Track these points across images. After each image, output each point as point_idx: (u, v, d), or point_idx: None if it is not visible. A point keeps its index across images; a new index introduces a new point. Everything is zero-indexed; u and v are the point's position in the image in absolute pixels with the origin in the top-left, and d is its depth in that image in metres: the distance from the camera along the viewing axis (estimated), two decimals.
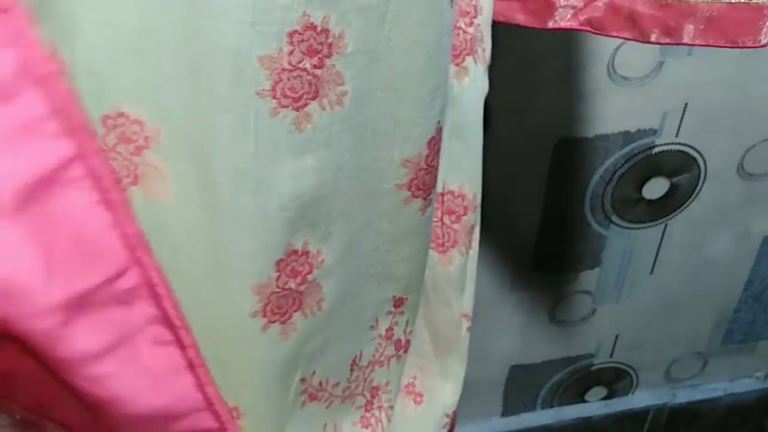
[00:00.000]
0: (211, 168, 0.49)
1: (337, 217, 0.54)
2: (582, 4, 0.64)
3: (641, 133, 1.01)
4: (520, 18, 0.67)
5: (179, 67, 0.46)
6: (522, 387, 1.22)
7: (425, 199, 0.58)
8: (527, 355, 1.19)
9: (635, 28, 0.63)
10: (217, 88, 0.46)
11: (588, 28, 0.64)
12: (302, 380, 0.60)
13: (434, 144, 0.56)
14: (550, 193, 1.04)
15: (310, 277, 0.55)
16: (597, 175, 1.03)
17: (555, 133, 0.99)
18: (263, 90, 0.47)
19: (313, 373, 0.60)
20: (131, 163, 0.51)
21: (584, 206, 1.06)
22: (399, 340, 0.65)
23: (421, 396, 0.68)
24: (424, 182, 0.57)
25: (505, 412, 1.25)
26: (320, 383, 0.62)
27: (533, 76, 0.93)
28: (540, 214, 1.05)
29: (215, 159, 0.49)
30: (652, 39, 0.61)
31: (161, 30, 0.46)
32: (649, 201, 1.08)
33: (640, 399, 1.29)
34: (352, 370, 0.64)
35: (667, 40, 0.61)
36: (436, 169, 0.58)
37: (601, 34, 0.64)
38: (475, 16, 0.57)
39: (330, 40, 0.47)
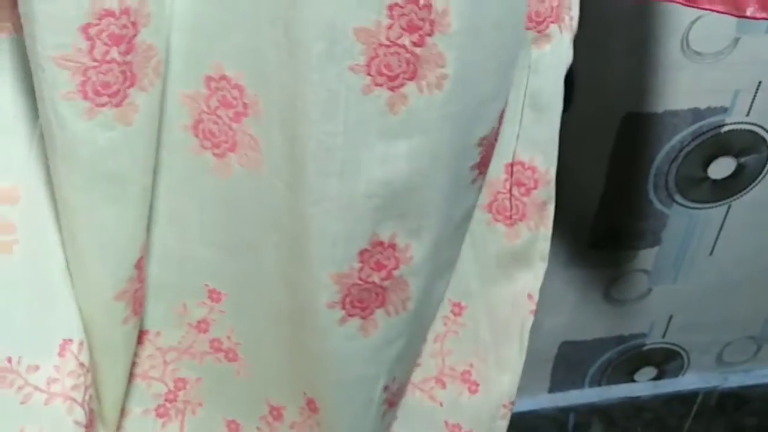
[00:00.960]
0: (298, 144, 0.48)
1: (429, 210, 0.52)
2: None
3: (711, 111, 0.98)
4: None
5: (276, 32, 0.45)
6: (571, 364, 1.21)
7: (485, 176, 0.56)
8: (578, 331, 1.17)
9: (729, 2, 0.60)
10: (310, 59, 0.45)
11: (680, 0, 0.62)
12: (385, 388, 0.58)
13: (503, 116, 0.54)
14: (613, 168, 1.01)
15: (396, 273, 0.53)
16: (663, 152, 1.01)
17: (622, 107, 0.96)
18: (357, 65, 0.45)
19: (394, 379, 0.59)
20: (230, 129, 0.50)
21: (647, 183, 1.03)
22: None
23: (477, 385, 0.66)
24: (489, 158, 0.55)
25: (552, 389, 1.23)
26: (398, 389, 0.60)
27: (604, 48, 0.91)
28: (601, 189, 1.03)
29: (302, 135, 0.47)
30: (748, 13, 0.59)
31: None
32: (714, 181, 1.05)
33: (690, 381, 1.27)
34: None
35: (765, 15, 0.58)
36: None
37: (692, 6, 0.61)
38: None
39: (433, 17, 0.44)
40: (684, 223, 1.08)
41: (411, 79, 0.46)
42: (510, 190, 0.60)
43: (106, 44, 0.44)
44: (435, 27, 0.45)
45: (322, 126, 0.47)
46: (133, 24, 0.45)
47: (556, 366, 1.20)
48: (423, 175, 0.50)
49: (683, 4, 0.62)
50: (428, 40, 0.45)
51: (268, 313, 0.58)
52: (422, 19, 0.45)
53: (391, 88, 0.46)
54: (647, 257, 1.11)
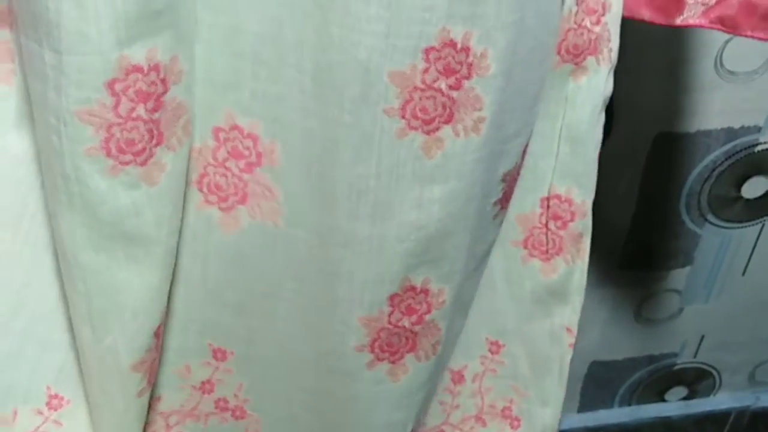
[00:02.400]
0: (327, 189, 0.47)
1: (461, 254, 0.51)
2: (714, 1, 0.60)
3: (745, 130, 0.97)
4: (646, 14, 0.63)
5: (302, 77, 0.44)
6: (601, 383, 1.19)
7: (506, 211, 0.55)
8: (609, 351, 1.16)
9: None
10: (342, 104, 0.44)
11: (719, 27, 0.61)
12: None
13: (526, 151, 0.53)
14: (645, 188, 1.00)
15: (427, 317, 0.52)
16: (695, 172, 1.00)
17: (654, 126, 0.95)
18: (392, 108, 0.44)
19: (419, 421, 0.58)
20: (240, 180, 0.49)
21: (679, 203, 1.02)
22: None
23: (519, 420, 0.65)
24: (511, 193, 0.54)
25: (582, 408, 1.22)
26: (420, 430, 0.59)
27: (637, 68, 0.90)
28: (633, 209, 1.02)
29: (332, 179, 0.46)
30: None
31: (285, 37, 0.44)
32: (747, 200, 1.03)
33: (721, 401, 1.26)
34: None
35: None
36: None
37: (734, 33, 0.60)
38: (603, 14, 0.54)
39: (470, 60, 0.44)
40: (716, 243, 1.07)
41: (447, 122, 0.45)
42: (546, 224, 0.59)
43: (132, 101, 0.43)
44: (473, 70, 0.44)
45: (355, 169, 0.46)
46: (163, 81, 0.44)
47: (586, 385, 1.19)
48: (455, 218, 0.49)
49: (724, 31, 0.61)
50: (465, 83, 0.44)
51: (284, 364, 0.56)
52: (459, 63, 0.44)
53: (427, 132, 0.45)
54: (679, 277, 1.09)
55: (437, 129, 0.45)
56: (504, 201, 0.53)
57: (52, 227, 0.50)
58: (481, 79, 0.44)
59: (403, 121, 0.45)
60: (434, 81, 0.44)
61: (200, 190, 0.50)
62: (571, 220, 0.58)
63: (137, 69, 0.42)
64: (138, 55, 0.42)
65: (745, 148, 0.98)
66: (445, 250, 0.50)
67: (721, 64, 0.91)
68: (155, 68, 0.43)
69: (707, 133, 0.96)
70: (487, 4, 0.42)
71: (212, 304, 0.55)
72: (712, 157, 0.99)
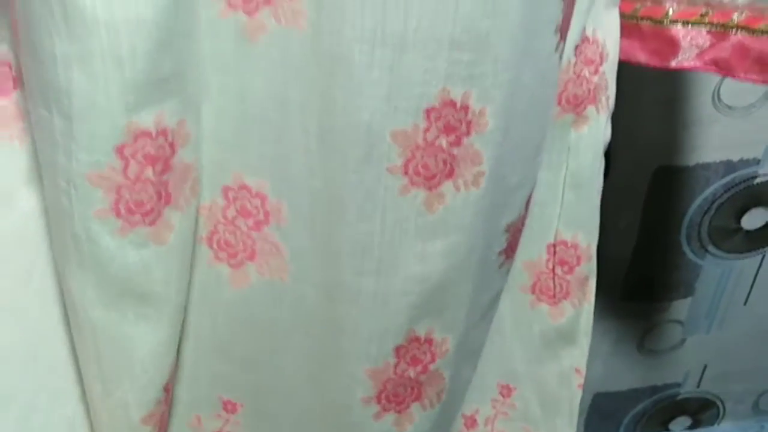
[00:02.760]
0: (332, 245, 0.48)
1: (464, 303, 0.52)
2: (708, 44, 0.61)
3: (744, 163, 0.98)
4: (642, 57, 0.64)
5: (307, 139, 0.45)
6: (604, 415, 1.19)
7: (513, 260, 0.56)
8: (612, 382, 1.16)
9: (765, 71, 0.60)
10: (346, 163, 0.45)
11: (714, 69, 0.62)
12: None
13: (530, 203, 0.54)
14: (646, 220, 1.01)
15: (432, 367, 0.53)
16: (695, 204, 1.00)
17: (654, 160, 0.96)
18: (394, 166, 0.45)
19: None
20: (249, 238, 0.50)
21: (680, 235, 1.03)
22: None
23: None
24: (516, 243, 0.55)
25: None
26: None
27: (636, 102, 0.91)
28: (634, 241, 1.02)
29: (337, 236, 0.47)
30: None
31: (290, 100, 0.44)
32: (748, 231, 1.04)
33: (726, 430, 1.26)
34: None
35: None
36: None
37: (728, 76, 0.61)
38: (601, 64, 0.55)
39: (469, 118, 0.45)
40: (717, 274, 1.08)
41: (448, 178, 0.46)
42: (553, 270, 0.60)
43: (140, 164, 0.44)
44: (472, 127, 0.45)
45: (359, 226, 0.47)
46: (171, 144, 0.45)
47: (590, 417, 1.19)
48: (458, 269, 0.50)
49: (718, 73, 0.62)
50: (465, 140, 0.45)
51: (292, 416, 0.57)
52: (459, 121, 0.45)
53: (429, 188, 0.46)
54: (681, 308, 1.10)
55: (439, 184, 0.46)
56: (509, 251, 0.54)
57: (60, 283, 0.50)
58: (480, 136, 0.45)
59: (406, 178, 0.45)
60: (435, 139, 0.45)
61: (210, 246, 0.51)
62: (577, 264, 0.59)
63: (146, 134, 0.43)
64: (146, 120, 0.43)
65: (744, 181, 0.99)
66: (447, 300, 0.51)
67: (719, 99, 0.92)
68: (163, 132, 0.44)
69: (706, 166, 0.97)
70: (484, 65, 0.43)
71: (222, 357, 0.55)
72: (711, 189, 0.99)
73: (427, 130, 0.44)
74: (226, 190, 0.49)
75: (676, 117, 0.94)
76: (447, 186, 0.46)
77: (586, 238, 0.58)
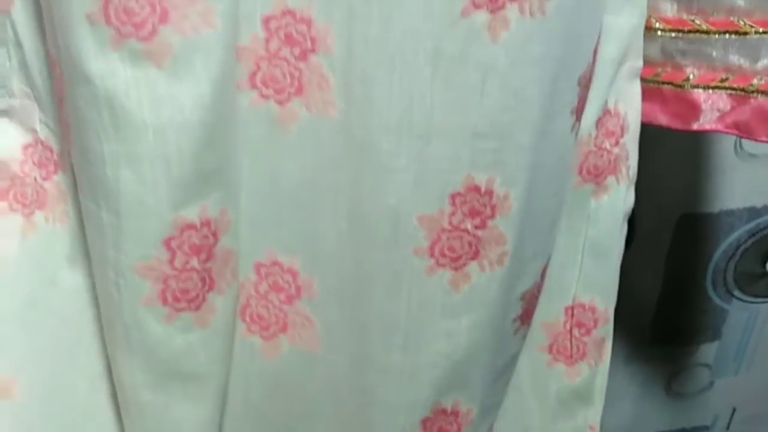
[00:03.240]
0: (361, 321, 0.49)
1: (486, 373, 0.53)
2: (729, 107, 0.62)
3: (767, 209, 0.98)
4: (663, 120, 0.65)
5: (337, 220, 0.47)
6: None
7: (529, 325, 0.58)
8: (641, 426, 1.16)
9: None
10: (375, 244, 0.47)
11: (735, 132, 0.63)
12: None
13: (546, 272, 0.55)
14: (671, 266, 1.01)
15: None
16: (720, 250, 1.01)
17: (678, 208, 0.97)
18: (421, 248, 0.47)
19: None
20: (281, 311, 0.51)
21: (706, 280, 1.03)
22: None
23: None
24: (533, 310, 0.56)
25: None
26: None
27: (659, 151, 0.92)
28: (659, 287, 1.03)
29: (366, 313, 0.49)
30: None
31: (321, 183, 0.46)
32: None
33: None
34: None
35: None
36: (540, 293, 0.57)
37: (749, 138, 0.62)
38: (622, 136, 0.57)
39: (494, 202, 0.46)
40: (744, 318, 1.08)
41: (473, 259, 0.48)
42: (570, 331, 0.61)
43: (186, 254, 0.46)
44: (496, 210, 0.47)
45: (386, 305, 0.48)
46: (214, 234, 0.47)
47: None
48: (481, 343, 0.51)
49: (739, 136, 0.63)
50: (490, 222, 0.47)
51: None
52: (484, 205, 0.46)
53: (454, 269, 0.48)
54: (708, 351, 1.10)
55: (464, 265, 0.48)
56: (525, 317, 0.55)
57: (106, 359, 0.52)
58: (504, 219, 0.47)
59: (432, 259, 0.47)
60: (460, 222, 0.46)
61: (243, 320, 0.53)
62: (595, 327, 0.60)
63: (191, 226, 0.46)
64: (191, 213, 0.45)
65: None
66: (471, 372, 0.52)
67: (741, 147, 0.93)
68: (207, 223, 0.46)
69: (730, 213, 0.98)
70: (507, 152, 0.45)
71: (254, 425, 0.57)
72: (736, 235, 1.00)
73: (452, 214, 0.46)
74: (258, 266, 0.51)
75: (699, 165, 0.95)
76: (472, 266, 0.48)
77: (604, 301, 0.60)
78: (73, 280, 0.52)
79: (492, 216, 0.47)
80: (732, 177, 0.95)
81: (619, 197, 0.57)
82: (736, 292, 1.05)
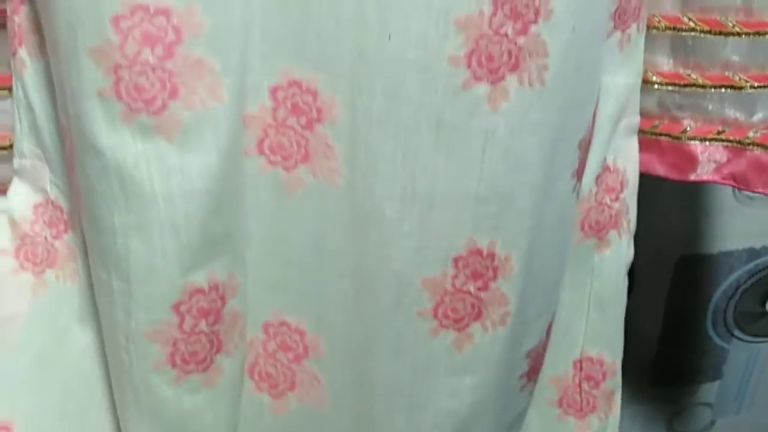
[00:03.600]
0: (366, 381, 0.50)
1: (494, 430, 0.54)
2: (725, 159, 0.63)
3: (766, 250, 0.99)
4: (661, 170, 0.66)
5: (343, 282, 0.48)
6: None
7: (536, 381, 0.58)
8: None
9: None
10: (379, 306, 0.47)
11: (732, 183, 0.64)
12: None
13: (551, 329, 0.56)
14: (671, 308, 1.02)
15: None
16: (720, 290, 1.01)
17: (677, 250, 0.98)
18: (424, 310, 0.48)
19: None
20: (289, 369, 0.52)
21: (706, 320, 1.04)
22: None
23: None
24: (539, 366, 0.57)
25: None
26: None
27: (657, 193, 0.93)
28: (659, 328, 1.04)
29: (372, 373, 0.50)
30: None
31: (326, 247, 0.47)
32: None
33: None
34: None
35: None
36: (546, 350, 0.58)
37: (746, 190, 0.63)
38: (621, 191, 0.58)
39: (496, 264, 0.47)
40: (744, 357, 1.08)
41: (476, 319, 0.49)
42: (579, 385, 0.61)
43: (195, 318, 0.47)
44: (498, 272, 0.48)
45: (391, 366, 0.49)
46: (222, 297, 0.48)
47: None
48: (485, 401, 0.52)
49: (737, 187, 0.64)
50: (492, 284, 0.48)
51: None
52: (486, 267, 0.47)
53: (457, 330, 0.49)
54: (709, 391, 1.10)
55: (467, 326, 0.49)
56: (531, 374, 0.56)
57: (115, 417, 0.53)
58: (506, 280, 0.48)
59: (436, 321, 0.48)
60: (463, 285, 0.47)
61: (252, 378, 0.53)
62: (603, 379, 0.61)
63: (199, 291, 0.47)
64: (200, 279, 0.46)
65: (767, 267, 1.00)
66: (475, 429, 0.53)
67: (739, 190, 0.93)
68: (215, 287, 0.47)
69: (729, 254, 0.99)
70: (508, 216, 0.46)
71: None
72: (735, 276, 1.01)
73: (455, 277, 0.47)
74: (266, 326, 0.51)
75: (698, 207, 0.96)
76: (475, 327, 0.49)
77: (611, 354, 0.60)
78: (83, 338, 0.53)
79: (494, 278, 0.48)
80: (731, 218, 0.96)
81: (621, 250, 0.58)
82: (737, 332, 1.06)
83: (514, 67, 0.42)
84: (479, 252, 0.46)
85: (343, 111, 0.44)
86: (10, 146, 0.52)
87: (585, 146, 0.50)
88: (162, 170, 0.43)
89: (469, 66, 0.42)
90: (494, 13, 0.41)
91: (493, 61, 0.42)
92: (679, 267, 0.98)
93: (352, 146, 0.44)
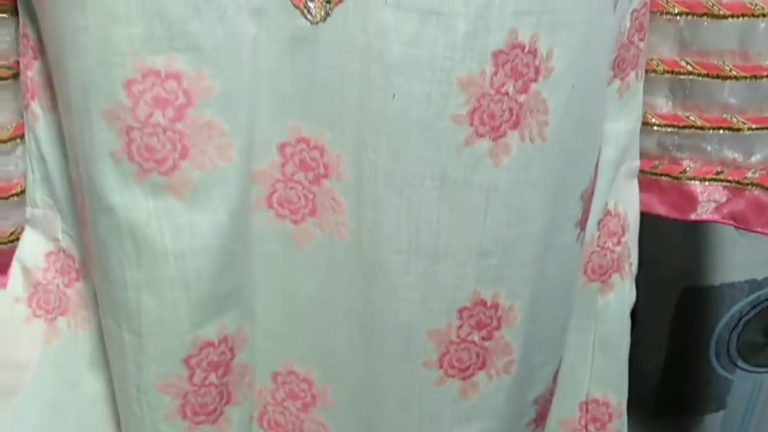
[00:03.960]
0: (374, 430, 0.51)
1: None
2: (724, 198, 0.64)
3: None
4: (661, 210, 0.67)
5: (350, 333, 0.49)
6: None
7: (544, 427, 0.59)
8: None
9: None
10: (386, 357, 0.48)
11: (731, 222, 0.65)
12: None
13: (557, 375, 0.57)
14: (674, 339, 1.03)
15: None
16: (722, 322, 1.02)
17: (679, 282, 0.98)
18: (430, 361, 0.48)
19: None
20: (297, 418, 0.53)
21: (709, 351, 1.04)
22: None
23: None
24: (547, 411, 0.58)
25: None
26: None
27: (659, 227, 0.93)
28: (663, 359, 1.04)
29: (378, 422, 0.50)
30: None
31: (334, 300, 0.48)
32: None
33: None
34: None
35: None
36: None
37: (746, 229, 0.64)
38: (623, 235, 0.58)
39: (500, 314, 0.48)
40: (748, 388, 1.09)
41: (481, 368, 0.50)
42: (586, 427, 0.62)
43: (205, 371, 0.48)
44: (502, 322, 0.49)
45: (397, 415, 0.50)
46: (231, 350, 0.49)
47: None
48: None
49: (736, 227, 0.64)
50: (496, 333, 0.49)
51: None
52: (490, 317, 0.48)
53: (462, 378, 0.49)
54: (714, 421, 1.10)
55: (472, 375, 0.49)
56: (539, 419, 0.56)
57: None
58: (509, 329, 0.49)
59: (441, 370, 0.49)
60: (468, 335, 0.48)
61: (261, 426, 0.54)
62: (609, 420, 0.61)
63: (209, 344, 0.47)
64: (210, 332, 0.47)
65: None
66: None
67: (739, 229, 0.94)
68: (224, 340, 0.48)
69: (732, 286, 0.99)
70: (512, 267, 0.47)
71: None
72: (738, 307, 1.01)
73: (460, 327, 0.47)
74: (275, 375, 0.52)
75: (699, 239, 0.97)
76: (480, 376, 0.49)
77: (617, 395, 0.61)
78: (94, 386, 0.54)
79: (498, 327, 0.48)
80: (732, 250, 0.97)
81: (623, 293, 0.59)
82: (740, 363, 1.06)
83: (516, 124, 0.43)
84: (483, 303, 0.47)
85: (349, 167, 0.45)
86: (22, 192, 0.53)
87: (588, 196, 0.51)
88: (173, 228, 0.44)
89: (471, 123, 0.43)
90: (495, 73, 0.42)
91: (495, 118, 0.43)
92: (682, 299, 0.99)
93: (358, 201, 0.45)
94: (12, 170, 0.52)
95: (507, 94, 0.42)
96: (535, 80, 0.42)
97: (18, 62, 0.50)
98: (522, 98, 0.43)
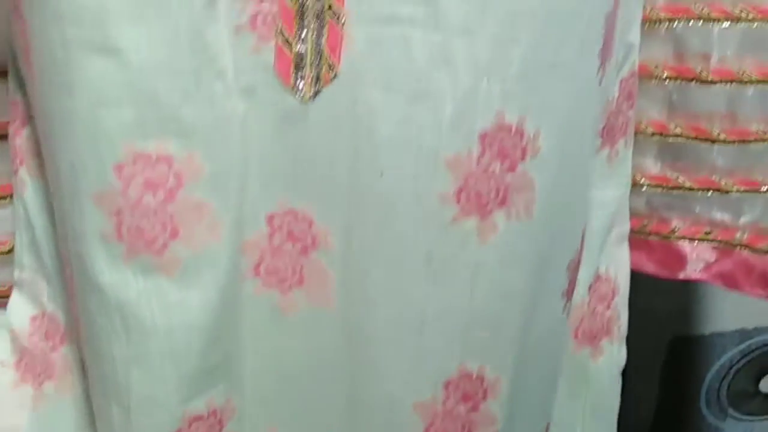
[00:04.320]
0: None
1: None
2: (713, 258, 0.64)
3: (758, 331, 1.00)
4: (650, 268, 0.67)
5: (336, 402, 0.49)
6: None
7: None
8: None
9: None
10: (372, 427, 0.48)
11: (720, 282, 0.65)
12: None
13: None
14: (664, 387, 1.02)
15: None
16: (713, 370, 1.02)
17: (669, 331, 0.99)
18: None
19: None
20: None
21: (700, 400, 1.04)
22: None
23: None
24: None
25: None
26: None
27: (648, 276, 0.93)
28: (653, 408, 1.04)
29: None
30: None
31: (321, 367, 0.48)
32: (766, 395, 1.05)
33: None
34: None
35: None
36: None
37: (735, 290, 0.64)
38: (613, 298, 0.59)
39: (485, 386, 0.48)
40: None
41: None
42: None
43: None
44: (488, 394, 0.49)
45: None
46: (219, 422, 0.49)
47: None
48: None
49: (727, 288, 0.65)
50: (481, 405, 0.49)
51: None
52: (476, 390, 0.48)
53: None
54: None
55: None
56: None
57: None
58: (495, 400, 0.49)
59: None
60: (454, 407, 0.48)
61: None
62: None
63: (198, 418, 0.47)
64: (199, 406, 0.47)
65: (760, 347, 1.01)
66: None
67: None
68: (213, 413, 0.48)
69: (721, 335, 0.99)
70: (498, 340, 0.47)
71: None
72: (728, 356, 1.01)
73: (445, 400, 0.47)
74: None
75: (689, 289, 0.97)
76: None
77: None
78: None
79: (484, 398, 0.48)
80: (722, 300, 0.97)
81: (613, 356, 0.59)
82: (731, 411, 1.06)
83: (502, 203, 0.43)
84: (469, 376, 0.47)
85: (336, 240, 0.45)
86: (10, 251, 0.53)
87: (574, 266, 0.51)
88: (163, 306, 0.44)
89: (458, 202, 0.43)
90: (482, 153, 0.42)
91: (482, 197, 0.43)
92: (672, 348, 0.99)
93: (346, 273, 0.45)
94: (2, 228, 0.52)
95: (494, 173, 0.42)
96: (523, 159, 0.43)
97: (6, 124, 0.50)
98: (509, 177, 0.43)
